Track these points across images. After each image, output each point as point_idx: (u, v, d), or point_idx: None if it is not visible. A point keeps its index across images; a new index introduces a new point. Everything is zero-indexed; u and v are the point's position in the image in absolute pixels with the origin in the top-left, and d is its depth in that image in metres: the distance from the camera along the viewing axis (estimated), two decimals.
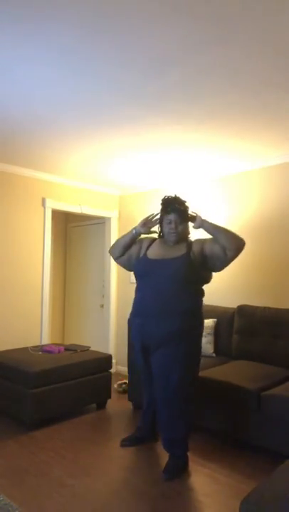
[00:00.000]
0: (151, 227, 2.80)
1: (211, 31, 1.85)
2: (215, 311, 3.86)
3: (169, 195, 2.78)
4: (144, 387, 2.93)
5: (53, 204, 4.57)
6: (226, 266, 2.65)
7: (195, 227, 2.69)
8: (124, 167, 4.12)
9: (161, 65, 2.16)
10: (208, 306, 3.98)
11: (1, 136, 3.31)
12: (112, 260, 5.17)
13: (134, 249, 2.85)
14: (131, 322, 2.82)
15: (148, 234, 2.83)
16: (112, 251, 2.92)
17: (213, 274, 2.81)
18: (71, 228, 5.99)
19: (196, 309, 2.65)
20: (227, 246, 2.54)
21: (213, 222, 2.67)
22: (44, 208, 4.51)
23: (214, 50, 2.00)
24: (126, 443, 2.95)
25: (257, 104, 2.63)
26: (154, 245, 2.80)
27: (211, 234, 2.62)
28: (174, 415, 2.59)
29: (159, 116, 2.83)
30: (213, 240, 2.61)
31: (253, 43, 1.94)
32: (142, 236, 2.87)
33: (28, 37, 1.92)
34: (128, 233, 2.85)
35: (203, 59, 2.08)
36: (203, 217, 2.69)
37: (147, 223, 2.79)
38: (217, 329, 3.77)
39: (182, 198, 2.77)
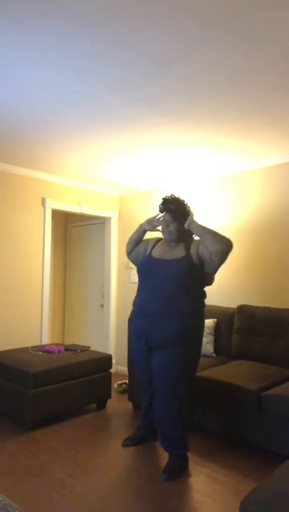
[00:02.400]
0: (156, 226, 2.81)
1: (211, 31, 1.85)
2: (215, 311, 3.86)
3: (167, 194, 2.83)
4: (143, 386, 2.93)
5: (53, 204, 4.57)
6: (215, 270, 2.63)
7: (185, 227, 2.70)
8: (124, 167, 4.12)
9: (161, 65, 2.16)
10: (208, 306, 3.97)
11: (1, 136, 3.31)
12: (112, 260, 5.18)
13: (141, 247, 2.90)
14: (131, 322, 2.82)
15: (153, 230, 2.85)
16: (126, 247, 2.99)
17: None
18: (71, 228, 5.99)
19: (197, 311, 2.64)
20: (211, 250, 2.53)
21: (202, 224, 2.66)
22: (44, 207, 4.51)
23: (214, 50, 2.00)
24: (128, 443, 2.95)
25: (257, 104, 2.63)
26: (159, 245, 2.84)
27: (198, 236, 2.63)
28: (174, 415, 2.59)
29: (159, 116, 2.83)
30: (204, 243, 2.61)
31: (253, 43, 1.93)
32: (151, 235, 2.93)
33: (28, 37, 1.91)
34: (137, 230, 2.90)
35: (203, 59, 2.08)
36: (194, 218, 2.69)
37: (152, 222, 2.81)
38: (217, 329, 3.77)
39: (180, 197, 2.79)
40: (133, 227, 5.06)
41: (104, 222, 5.37)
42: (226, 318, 3.75)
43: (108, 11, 1.72)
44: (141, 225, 2.86)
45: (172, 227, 2.70)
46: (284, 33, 1.85)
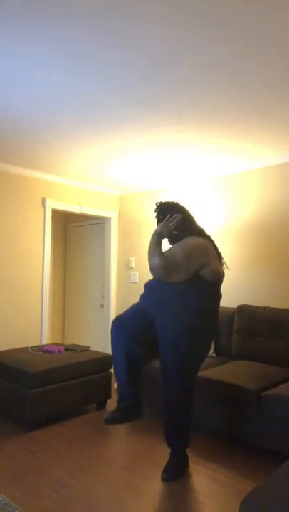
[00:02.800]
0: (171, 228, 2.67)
1: (211, 31, 1.85)
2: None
3: (159, 201, 2.79)
4: (117, 327, 2.62)
5: (53, 204, 4.57)
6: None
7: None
8: (124, 167, 4.12)
9: (161, 66, 2.16)
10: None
11: (2, 136, 3.31)
12: (112, 260, 5.18)
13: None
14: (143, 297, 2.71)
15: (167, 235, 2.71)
16: (161, 271, 2.62)
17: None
18: (71, 228, 5.99)
19: (207, 310, 2.61)
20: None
21: (154, 238, 2.57)
22: (44, 208, 4.51)
23: (214, 51, 2.00)
24: (110, 418, 2.51)
25: (256, 105, 2.63)
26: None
27: None
28: (181, 397, 2.56)
29: (159, 116, 2.83)
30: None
31: (252, 43, 1.94)
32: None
33: (28, 38, 1.92)
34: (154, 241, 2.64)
35: (203, 59, 2.08)
36: (158, 229, 2.60)
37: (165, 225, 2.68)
38: (217, 329, 3.76)
39: (170, 200, 2.78)
40: (133, 227, 5.08)
41: (104, 222, 5.37)
42: (226, 318, 3.75)
43: (108, 11, 1.72)
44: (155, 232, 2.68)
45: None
46: (284, 33, 1.85)
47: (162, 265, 2.49)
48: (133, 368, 2.59)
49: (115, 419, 2.53)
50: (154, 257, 2.51)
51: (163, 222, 2.63)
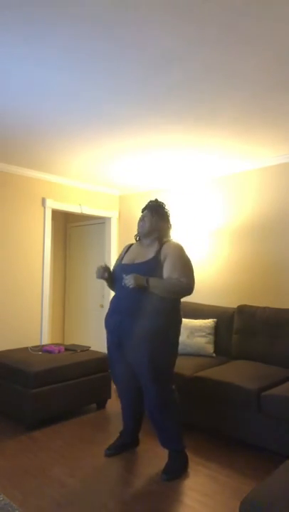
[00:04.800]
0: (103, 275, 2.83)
1: (211, 31, 1.85)
2: (215, 311, 3.86)
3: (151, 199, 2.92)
4: (118, 388, 2.90)
5: (53, 204, 4.57)
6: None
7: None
8: (125, 167, 4.12)
9: (161, 66, 2.16)
10: (208, 306, 3.98)
11: (2, 137, 3.31)
12: (112, 260, 5.18)
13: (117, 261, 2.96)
14: (106, 319, 2.84)
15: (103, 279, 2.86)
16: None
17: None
18: (71, 228, 5.99)
19: (165, 310, 2.62)
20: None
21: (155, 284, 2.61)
22: (44, 207, 4.51)
23: (214, 51, 2.00)
24: (110, 452, 2.83)
25: (256, 105, 2.63)
26: (130, 249, 2.89)
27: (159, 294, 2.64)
28: (160, 404, 2.59)
29: (159, 117, 2.83)
30: (171, 270, 2.61)
31: (253, 43, 1.93)
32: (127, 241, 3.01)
33: (27, 37, 1.91)
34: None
35: (203, 59, 2.08)
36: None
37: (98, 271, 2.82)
38: (217, 329, 3.76)
39: (163, 203, 2.88)
40: (133, 227, 5.06)
41: (104, 222, 5.37)
42: (226, 318, 3.75)
43: (109, 11, 1.72)
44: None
45: (146, 220, 2.76)
46: (284, 33, 1.85)
47: (186, 278, 2.64)
48: (138, 411, 2.88)
49: (116, 452, 2.86)
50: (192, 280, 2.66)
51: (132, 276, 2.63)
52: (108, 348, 2.85)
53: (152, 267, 2.63)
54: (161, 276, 2.62)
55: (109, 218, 5.23)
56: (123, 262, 2.82)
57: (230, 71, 2.20)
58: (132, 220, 5.08)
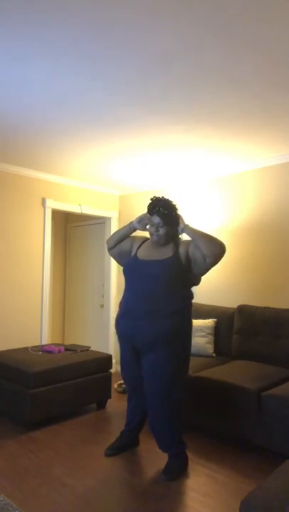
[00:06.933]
0: (147, 225, 2.73)
1: (212, 32, 1.85)
2: (215, 311, 3.86)
3: (157, 196, 2.72)
4: (131, 391, 2.86)
5: (53, 204, 4.57)
6: (205, 272, 2.63)
7: (179, 233, 2.69)
8: (125, 167, 4.12)
9: (161, 66, 2.16)
10: (208, 306, 3.98)
11: (2, 137, 3.31)
12: (112, 260, 5.18)
13: (125, 245, 2.84)
14: (117, 323, 2.77)
15: (143, 230, 2.78)
16: (108, 241, 2.92)
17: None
18: (71, 228, 5.99)
19: (183, 310, 2.61)
20: (206, 253, 2.52)
21: (194, 227, 2.64)
22: (44, 207, 4.51)
23: (214, 51, 2.00)
24: (111, 452, 2.83)
25: (256, 105, 2.63)
26: (145, 245, 2.77)
27: (192, 239, 2.60)
28: (168, 416, 2.57)
29: (158, 117, 2.83)
30: (195, 245, 2.58)
31: (252, 44, 1.93)
32: (137, 233, 2.86)
33: (26, 37, 1.91)
34: (125, 226, 2.85)
35: (203, 59, 2.08)
36: (186, 222, 2.65)
37: (144, 219, 2.74)
38: (217, 329, 3.77)
39: (171, 200, 2.72)
40: None
41: (104, 222, 5.37)
42: (226, 318, 3.75)
43: (108, 10, 1.72)
44: (131, 223, 2.79)
45: (162, 231, 2.63)
46: (284, 33, 1.85)
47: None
48: (145, 413, 2.82)
49: (116, 452, 2.85)
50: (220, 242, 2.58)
51: (183, 222, 2.65)
52: (122, 355, 2.81)
53: (173, 264, 2.57)
54: (180, 273, 2.57)
55: (109, 218, 5.23)
56: (139, 257, 2.70)
57: (230, 71, 2.20)
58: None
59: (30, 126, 3.06)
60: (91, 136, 3.24)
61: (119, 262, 2.93)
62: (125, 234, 2.84)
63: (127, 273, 2.74)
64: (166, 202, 2.66)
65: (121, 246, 2.86)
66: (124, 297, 2.75)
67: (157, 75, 2.25)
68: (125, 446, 2.89)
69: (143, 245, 2.78)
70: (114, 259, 2.95)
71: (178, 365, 2.58)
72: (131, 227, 2.80)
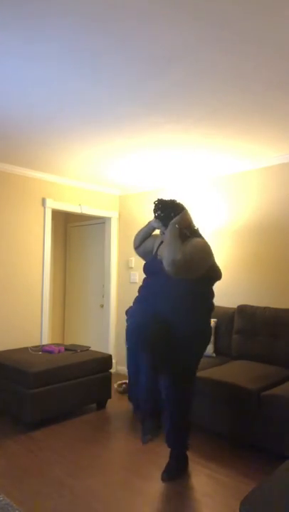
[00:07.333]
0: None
1: (212, 31, 1.84)
2: (215, 311, 3.81)
3: (159, 198, 2.71)
4: (130, 354, 2.68)
5: (53, 204, 4.57)
6: (184, 276, 2.49)
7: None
8: (125, 167, 4.12)
9: (162, 65, 2.16)
10: None
11: (2, 137, 3.31)
12: (112, 260, 5.19)
13: (148, 243, 2.86)
14: (135, 320, 2.64)
15: (160, 229, 2.75)
16: (134, 240, 2.95)
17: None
18: (71, 228, 5.99)
19: (201, 309, 2.61)
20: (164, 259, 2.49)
21: (175, 231, 2.54)
22: (44, 207, 4.51)
23: (214, 50, 2.00)
24: (149, 437, 2.49)
25: (256, 104, 2.63)
26: (163, 244, 2.75)
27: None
28: (184, 409, 2.60)
29: (159, 116, 2.83)
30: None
31: (253, 43, 1.93)
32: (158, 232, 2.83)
33: (27, 36, 1.91)
34: (146, 225, 2.87)
35: (203, 59, 2.08)
36: (176, 221, 2.58)
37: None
38: (217, 329, 3.77)
39: (169, 198, 2.70)
40: (133, 227, 5.06)
41: (104, 222, 5.37)
42: (226, 318, 3.75)
43: (108, 9, 1.72)
44: (150, 222, 2.82)
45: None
46: (284, 32, 1.85)
47: (184, 262, 2.42)
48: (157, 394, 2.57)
49: (153, 438, 2.50)
50: (178, 253, 2.43)
51: (179, 217, 2.59)
52: (131, 349, 2.66)
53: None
54: (194, 269, 2.51)
55: (109, 218, 5.23)
56: (158, 257, 2.70)
57: (231, 70, 2.20)
58: (132, 220, 5.08)
59: (30, 125, 3.05)
60: (91, 135, 3.24)
61: (144, 259, 2.93)
62: (146, 233, 2.87)
63: (147, 271, 2.76)
64: (162, 204, 2.67)
65: (145, 245, 2.89)
66: (141, 294, 2.74)
67: (157, 74, 2.25)
68: (156, 425, 2.53)
69: (162, 244, 2.75)
70: (141, 257, 2.95)
71: (193, 362, 2.60)
72: (150, 227, 2.84)
